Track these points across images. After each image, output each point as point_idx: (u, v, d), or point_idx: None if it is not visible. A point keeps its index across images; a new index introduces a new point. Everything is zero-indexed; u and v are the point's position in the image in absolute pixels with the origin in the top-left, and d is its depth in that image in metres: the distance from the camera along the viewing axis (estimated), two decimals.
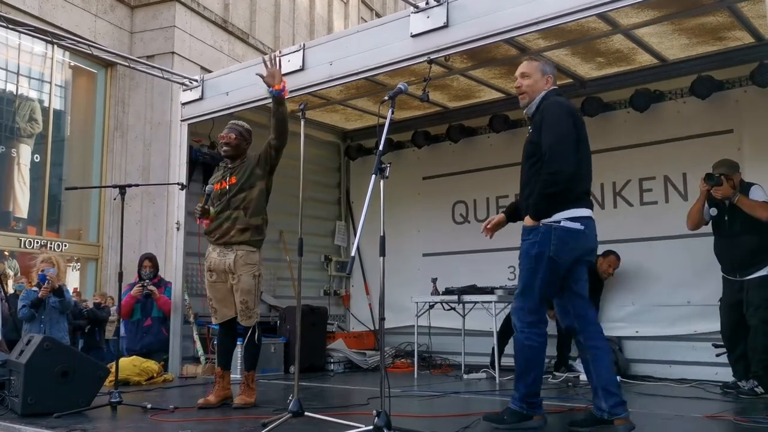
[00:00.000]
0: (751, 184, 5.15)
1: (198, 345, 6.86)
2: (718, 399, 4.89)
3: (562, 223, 3.48)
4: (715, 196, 5.13)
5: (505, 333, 6.56)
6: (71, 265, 15.16)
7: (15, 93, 14.85)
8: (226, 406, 4.48)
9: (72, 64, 15.97)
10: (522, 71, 3.77)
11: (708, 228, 5.35)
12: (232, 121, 4.91)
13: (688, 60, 6.25)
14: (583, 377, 6.00)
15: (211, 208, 4.58)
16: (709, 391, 5.20)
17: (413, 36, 5.29)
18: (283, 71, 6.07)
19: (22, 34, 10.58)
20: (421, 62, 5.34)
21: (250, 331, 4.54)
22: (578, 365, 6.25)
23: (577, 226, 3.50)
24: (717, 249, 5.26)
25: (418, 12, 5.25)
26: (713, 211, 5.23)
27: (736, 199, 5.02)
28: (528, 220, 3.59)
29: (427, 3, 5.19)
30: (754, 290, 4.94)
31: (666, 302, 6.26)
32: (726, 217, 5.14)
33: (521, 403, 3.61)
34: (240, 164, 4.68)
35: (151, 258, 7.01)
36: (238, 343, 4.91)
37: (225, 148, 4.69)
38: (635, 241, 6.55)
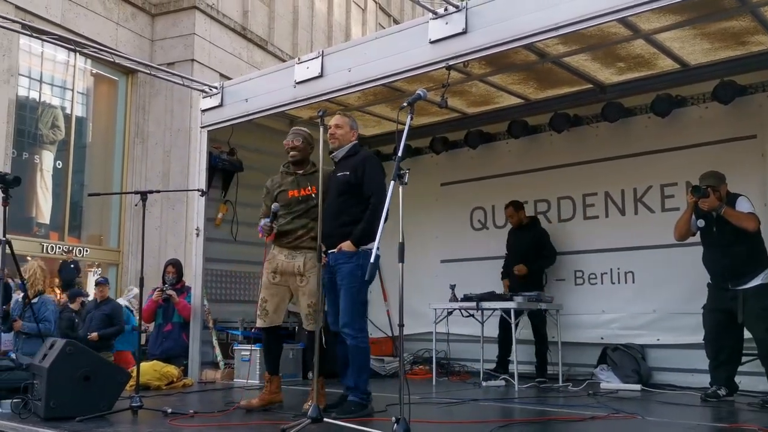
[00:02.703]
0: (737, 195, 5.18)
1: (217, 350, 6.89)
2: (743, 408, 4.81)
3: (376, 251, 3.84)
4: (702, 207, 5.17)
5: (505, 340, 6.58)
6: (92, 270, 15.32)
7: (38, 100, 15.06)
8: (262, 411, 4.50)
9: (94, 71, 16.17)
10: (336, 123, 4.53)
11: None
12: (295, 128, 4.91)
13: (711, 65, 6.19)
14: (604, 385, 5.96)
15: (274, 226, 4.59)
16: (734, 401, 5.12)
17: (432, 42, 5.30)
18: (302, 78, 6.18)
19: (45, 42, 10.74)
20: (439, 68, 5.34)
21: (316, 336, 4.33)
22: (600, 373, 6.20)
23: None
24: (706, 259, 5.31)
25: (436, 18, 5.25)
26: (701, 223, 5.28)
27: (722, 211, 5.07)
28: (348, 245, 4.27)
29: (446, 9, 5.19)
30: (753, 299, 4.96)
31: (687, 310, 6.16)
32: (714, 228, 5.18)
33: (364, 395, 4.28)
34: (314, 174, 4.65)
35: (174, 264, 7.08)
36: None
37: (293, 153, 4.70)
38: (656, 248, 6.48)
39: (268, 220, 4.58)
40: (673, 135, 6.56)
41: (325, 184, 4.52)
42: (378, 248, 3.70)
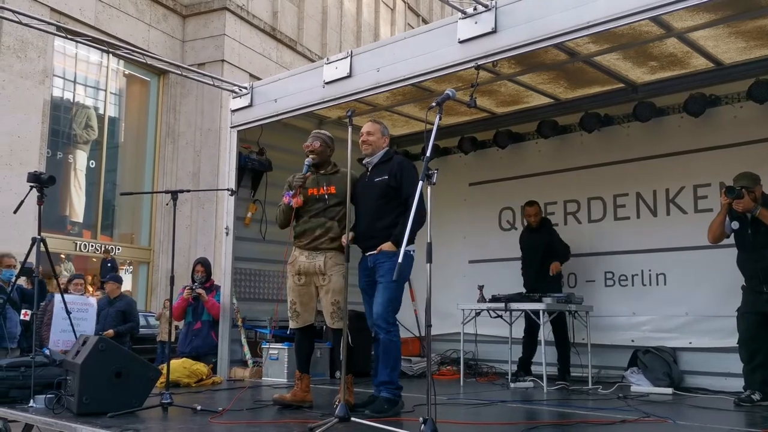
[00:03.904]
0: None
1: (246, 349, 6.94)
2: None
3: (411, 252, 4.29)
4: (737, 209, 5.09)
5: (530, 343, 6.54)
6: (124, 267, 15.58)
7: (72, 101, 15.36)
8: (282, 409, 4.52)
9: (126, 72, 16.44)
10: (368, 130, 4.63)
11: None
12: (315, 131, 4.93)
13: (745, 63, 6.07)
14: (635, 388, 5.88)
15: (309, 176, 4.63)
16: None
17: (461, 42, 5.27)
18: (331, 78, 6.20)
19: (79, 44, 10.93)
20: (468, 68, 5.31)
21: (344, 335, 4.36)
22: (631, 376, 6.12)
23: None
24: (740, 262, 5.22)
25: (466, 18, 5.23)
26: (735, 225, 5.19)
27: (757, 213, 4.99)
28: (389, 246, 4.33)
29: (475, 9, 5.16)
30: None
31: (721, 312, 6.06)
32: (749, 230, 5.10)
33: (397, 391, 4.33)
34: (335, 174, 4.73)
35: (203, 263, 7.14)
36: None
37: (312, 155, 4.72)
38: (689, 249, 6.38)
39: (303, 172, 4.60)
40: (707, 135, 6.45)
41: (340, 185, 4.59)
42: (414, 250, 3.82)
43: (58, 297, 6.15)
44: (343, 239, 4.44)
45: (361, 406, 4.32)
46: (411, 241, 4.07)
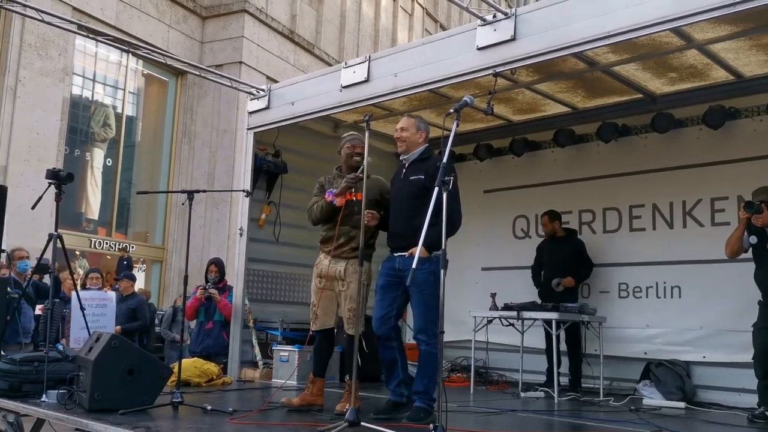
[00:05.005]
0: None
1: (257, 350, 6.96)
2: None
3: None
4: (756, 224, 5.05)
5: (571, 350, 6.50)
6: (137, 266, 15.66)
7: (91, 99, 15.49)
8: (290, 411, 4.52)
9: (145, 72, 16.56)
10: (401, 126, 4.52)
11: None
12: (355, 133, 4.83)
13: (766, 77, 6.01)
14: (647, 401, 5.83)
15: (360, 176, 4.43)
16: None
17: (479, 49, 5.26)
18: (348, 82, 6.21)
19: (99, 43, 11.03)
20: (486, 75, 5.31)
21: (357, 340, 4.30)
22: (643, 388, 6.07)
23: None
24: (758, 276, 5.16)
25: (485, 25, 5.22)
26: (753, 239, 5.14)
27: None
28: (423, 251, 4.03)
29: (494, 16, 5.16)
30: None
31: (736, 327, 6.00)
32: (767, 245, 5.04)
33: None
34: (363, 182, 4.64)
35: (217, 263, 7.17)
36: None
37: (356, 158, 4.64)
38: (705, 262, 6.32)
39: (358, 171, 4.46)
40: (726, 148, 6.40)
41: (374, 191, 4.53)
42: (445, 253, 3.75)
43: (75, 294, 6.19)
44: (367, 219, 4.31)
45: (384, 413, 4.28)
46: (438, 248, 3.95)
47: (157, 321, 9.98)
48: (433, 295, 4.17)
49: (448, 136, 3.70)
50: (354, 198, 4.59)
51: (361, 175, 4.39)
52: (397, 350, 4.45)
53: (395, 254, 4.46)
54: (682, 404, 5.72)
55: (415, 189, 4.40)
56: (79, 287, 6.68)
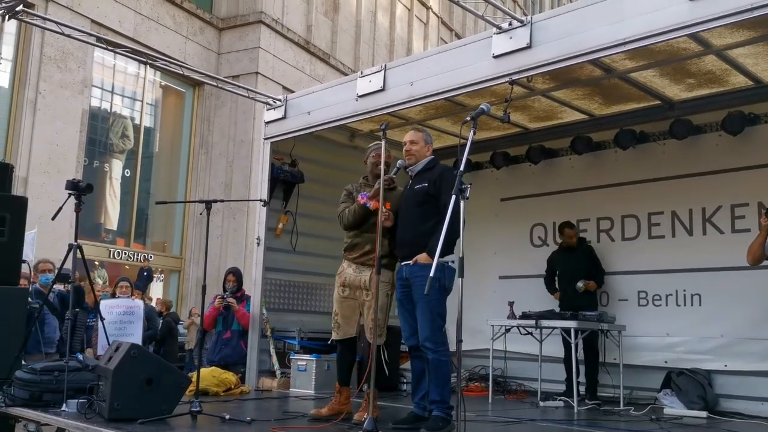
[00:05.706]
0: None
1: (274, 359, 6.97)
2: None
3: (450, 264, 4.19)
4: None
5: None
6: (156, 276, 15.76)
7: (109, 110, 15.67)
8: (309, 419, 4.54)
9: (162, 83, 16.72)
10: (410, 139, 4.57)
11: None
12: (380, 143, 4.88)
13: None
14: (668, 410, 5.76)
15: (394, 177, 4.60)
16: None
17: (495, 57, 5.27)
18: (364, 91, 6.23)
19: (117, 55, 11.16)
20: (502, 83, 5.30)
21: (378, 350, 4.36)
22: (664, 397, 6.00)
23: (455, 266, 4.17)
24: None
25: (500, 33, 5.22)
26: None
27: None
28: (425, 257, 4.18)
29: (510, 24, 5.16)
30: None
31: (758, 335, 5.93)
32: None
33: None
34: (393, 191, 4.70)
35: (235, 272, 7.19)
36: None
37: (383, 167, 4.65)
38: (725, 270, 6.25)
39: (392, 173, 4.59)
40: (745, 154, 6.33)
41: (396, 203, 4.56)
42: (453, 261, 3.82)
43: (104, 303, 6.23)
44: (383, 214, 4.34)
45: (404, 423, 4.27)
46: (450, 251, 4.05)
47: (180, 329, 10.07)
48: (438, 303, 4.19)
49: (465, 144, 3.69)
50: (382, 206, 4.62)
51: (394, 176, 4.52)
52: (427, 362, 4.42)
53: (402, 263, 4.48)
54: (704, 413, 5.65)
55: (419, 197, 4.45)
56: (99, 296, 6.76)
